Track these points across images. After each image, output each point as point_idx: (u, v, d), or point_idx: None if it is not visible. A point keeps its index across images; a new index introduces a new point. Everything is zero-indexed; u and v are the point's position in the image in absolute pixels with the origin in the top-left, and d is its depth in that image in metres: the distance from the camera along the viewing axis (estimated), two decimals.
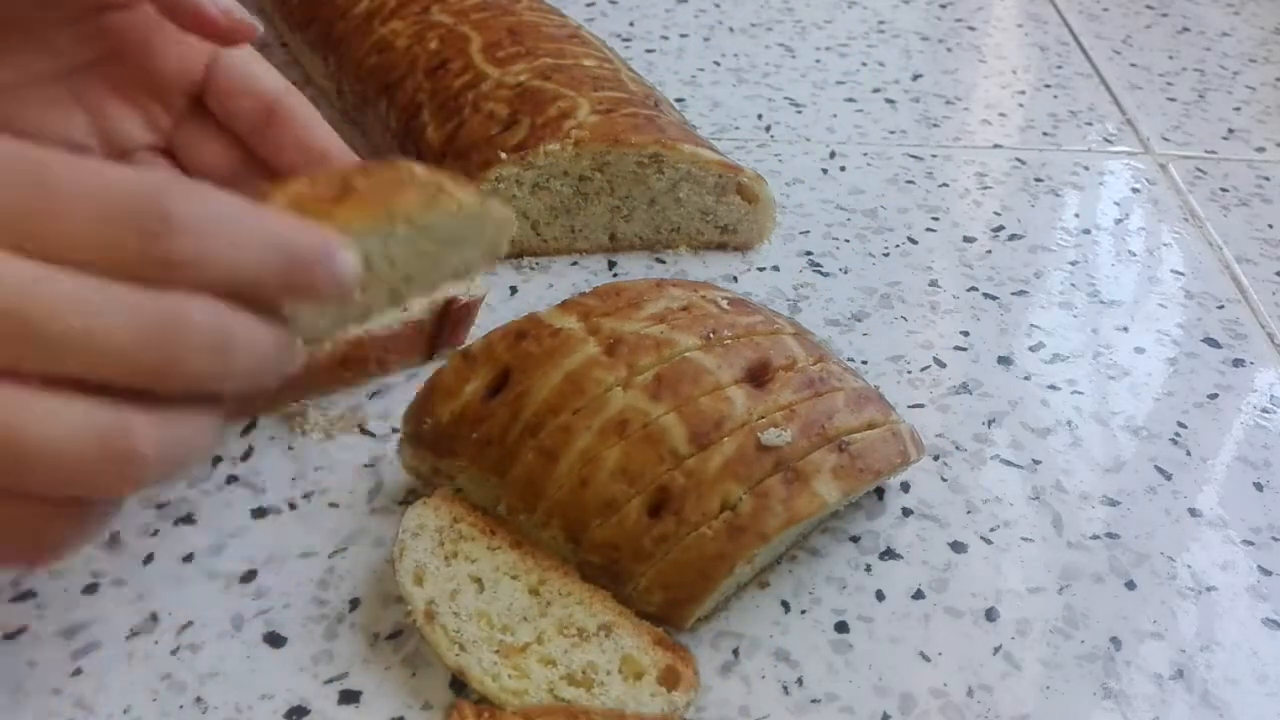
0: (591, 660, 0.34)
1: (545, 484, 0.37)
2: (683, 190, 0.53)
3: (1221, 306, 0.54)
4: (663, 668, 0.34)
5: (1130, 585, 0.40)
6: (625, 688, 0.34)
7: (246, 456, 0.43)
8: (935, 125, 0.67)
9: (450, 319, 0.46)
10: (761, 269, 0.54)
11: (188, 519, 0.40)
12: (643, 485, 0.36)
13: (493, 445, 0.38)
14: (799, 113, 0.67)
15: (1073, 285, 0.54)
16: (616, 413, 0.36)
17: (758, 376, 0.38)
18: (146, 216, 0.25)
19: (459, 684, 0.35)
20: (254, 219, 0.27)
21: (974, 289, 0.54)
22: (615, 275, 0.53)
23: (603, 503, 0.36)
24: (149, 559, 0.39)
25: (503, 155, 0.51)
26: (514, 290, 0.52)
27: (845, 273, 0.54)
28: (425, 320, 0.46)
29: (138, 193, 0.25)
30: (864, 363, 0.49)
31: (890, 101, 0.69)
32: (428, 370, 0.44)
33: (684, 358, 0.38)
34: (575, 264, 0.54)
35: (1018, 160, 0.64)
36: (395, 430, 0.44)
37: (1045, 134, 0.67)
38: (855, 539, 0.41)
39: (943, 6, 0.82)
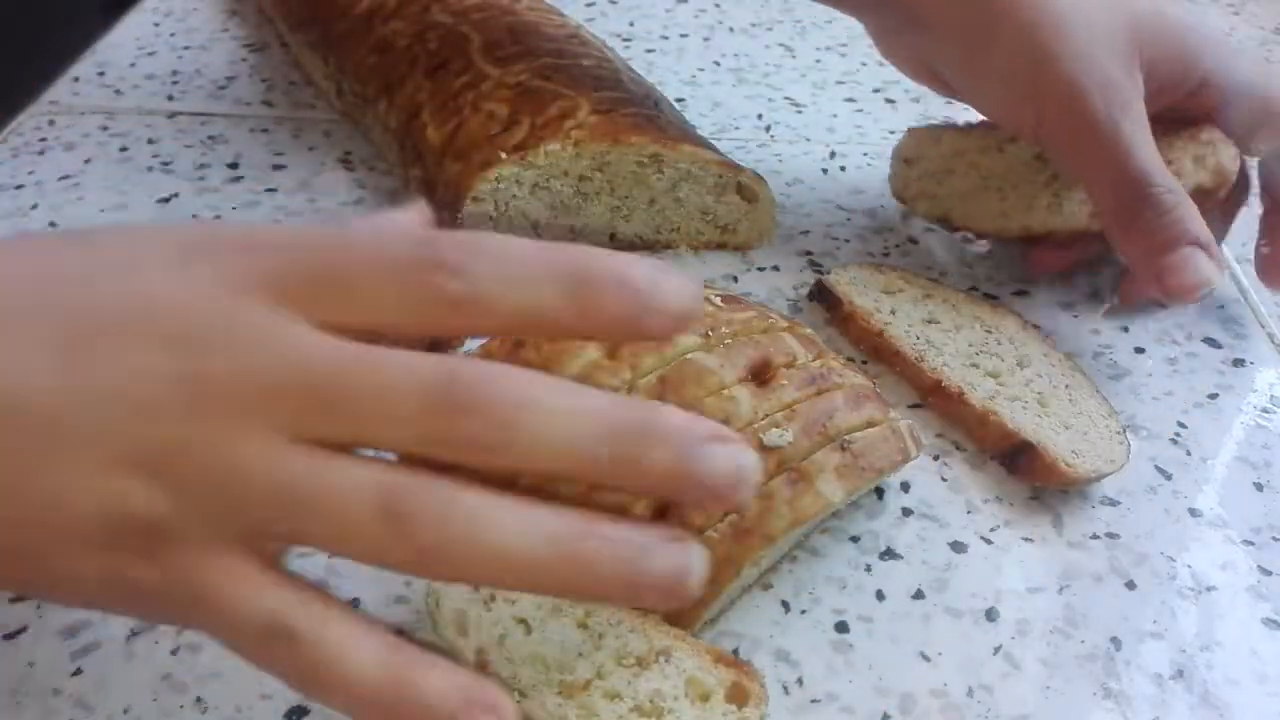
0: (657, 688, 0.33)
1: (555, 492, 0.36)
2: (682, 190, 0.53)
3: (1221, 306, 0.54)
4: (729, 685, 0.34)
5: (1130, 585, 0.40)
6: (696, 711, 0.33)
7: None
8: None
9: None
10: (761, 269, 0.54)
11: None
12: None
13: None
14: (799, 113, 0.67)
15: (1073, 285, 0.54)
16: None
17: (760, 374, 0.38)
18: (423, 265, 0.27)
19: None
20: (532, 250, 0.28)
21: (974, 289, 0.53)
22: None
23: (610, 507, 0.36)
24: None
25: (503, 155, 0.51)
26: None
27: None
28: None
29: (414, 249, 0.27)
30: (864, 363, 0.49)
31: (890, 101, 0.69)
32: None
33: (686, 359, 0.38)
34: None
35: None
36: None
37: None
38: (855, 539, 0.41)
39: None
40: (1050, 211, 0.50)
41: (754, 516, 0.36)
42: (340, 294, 0.27)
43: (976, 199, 0.53)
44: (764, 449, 0.36)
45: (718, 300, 0.41)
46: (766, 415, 0.37)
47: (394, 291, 0.27)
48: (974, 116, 0.54)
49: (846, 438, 0.38)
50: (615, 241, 0.55)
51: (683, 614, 0.36)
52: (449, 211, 0.52)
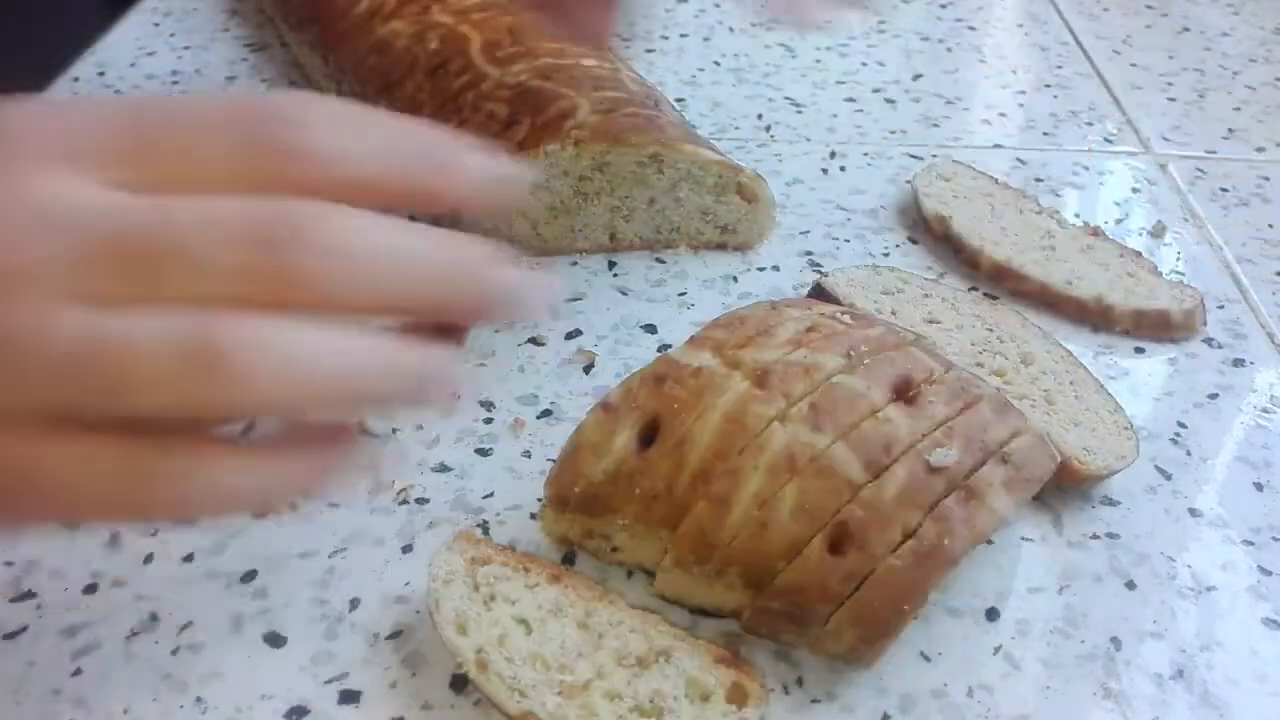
0: (657, 688, 0.34)
1: (719, 532, 0.35)
2: (682, 190, 0.53)
3: (1221, 306, 0.54)
4: (729, 685, 0.34)
5: (1130, 585, 0.40)
6: (695, 711, 0.33)
7: None
8: (935, 125, 0.67)
9: None
10: (761, 269, 0.54)
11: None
12: (823, 521, 0.35)
13: (659, 499, 0.36)
14: (799, 113, 0.67)
15: None
16: (783, 448, 0.35)
17: (903, 392, 0.38)
18: (260, 115, 0.26)
19: (459, 684, 0.35)
20: (363, 111, 0.27)
21: (974, 288, 0.53)
22: (615, 275, 0.53)
23: (786, 544, 0.35)
24: (149, 559, 0.39)
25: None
26: None
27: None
28: None
29: (250, 100, 0.27)
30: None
31: (890, 101, 0.69)
32: None
33: (832, 383, 0.37)
34: (575, 264, 0.54)
35: (1018, 160, 0.64)
36: (396, 430, 0.44)
37: (1045, 134, 0.67)
38: None
39: (943, 6, 0.82)
40: (1027, 263, 0.53)
41: (933, 540, 0.35)
42: (159, 148, 0.25)
43: (979, 218, 0.56)
44: (931, 470, 0.36)
45: (846, 319, 0.41)
46: (925, 435, 0.36)
47: (224, 142, 0.25)
48: (1002, 160, 0.54)
49: (1005, 449, 0.37)
50: (615, 241, 0.55)
51: (867, 647, 0.35)
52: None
